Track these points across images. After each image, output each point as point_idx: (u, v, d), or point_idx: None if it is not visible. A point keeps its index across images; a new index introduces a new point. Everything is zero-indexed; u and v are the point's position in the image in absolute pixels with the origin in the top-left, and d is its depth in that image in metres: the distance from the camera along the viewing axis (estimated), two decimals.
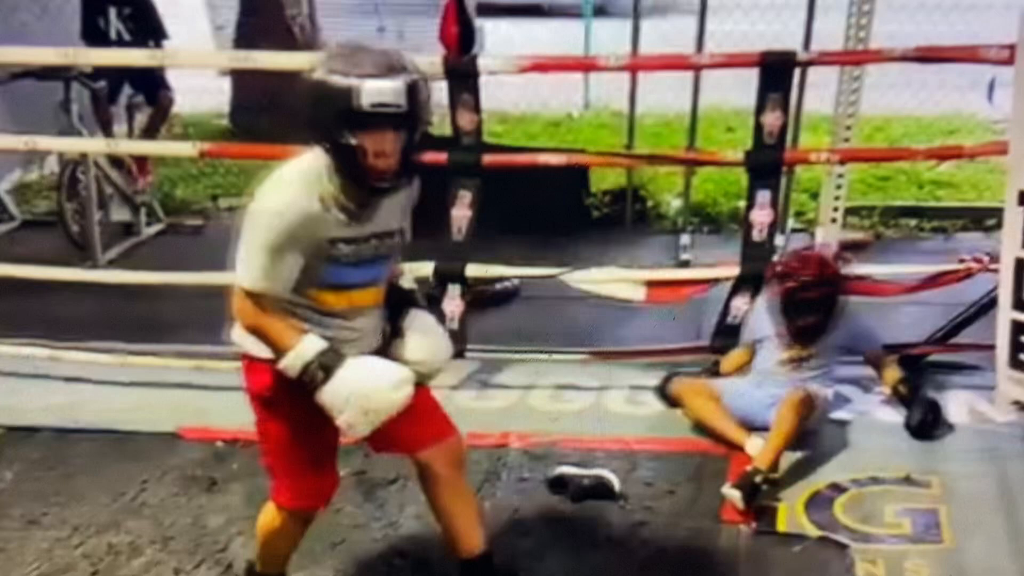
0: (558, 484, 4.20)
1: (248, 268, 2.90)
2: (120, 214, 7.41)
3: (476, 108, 4.95)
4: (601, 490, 4.15)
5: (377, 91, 2.71)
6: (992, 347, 4.54)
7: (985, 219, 6.88)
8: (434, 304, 5.23)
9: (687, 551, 3.80)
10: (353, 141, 2.77)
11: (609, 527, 3.95)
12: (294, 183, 2.89)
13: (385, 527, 4.00)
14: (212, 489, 4.32)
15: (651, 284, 5.03)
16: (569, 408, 4.86)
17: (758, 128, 4.77)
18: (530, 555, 3.78)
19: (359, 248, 2.98)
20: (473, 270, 5.13)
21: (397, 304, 3.25)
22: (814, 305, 4.45)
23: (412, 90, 2.75)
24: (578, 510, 4.07)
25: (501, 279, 5.88)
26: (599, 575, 3.69)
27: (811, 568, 3.69)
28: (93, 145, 6.76)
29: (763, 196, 4.85)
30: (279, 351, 2.94)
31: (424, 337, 3.22)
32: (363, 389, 2.91)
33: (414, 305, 3.29)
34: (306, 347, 2.92)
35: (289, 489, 3.26)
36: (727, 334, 4.97)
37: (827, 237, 5.65)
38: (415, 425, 3.19)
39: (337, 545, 3.92)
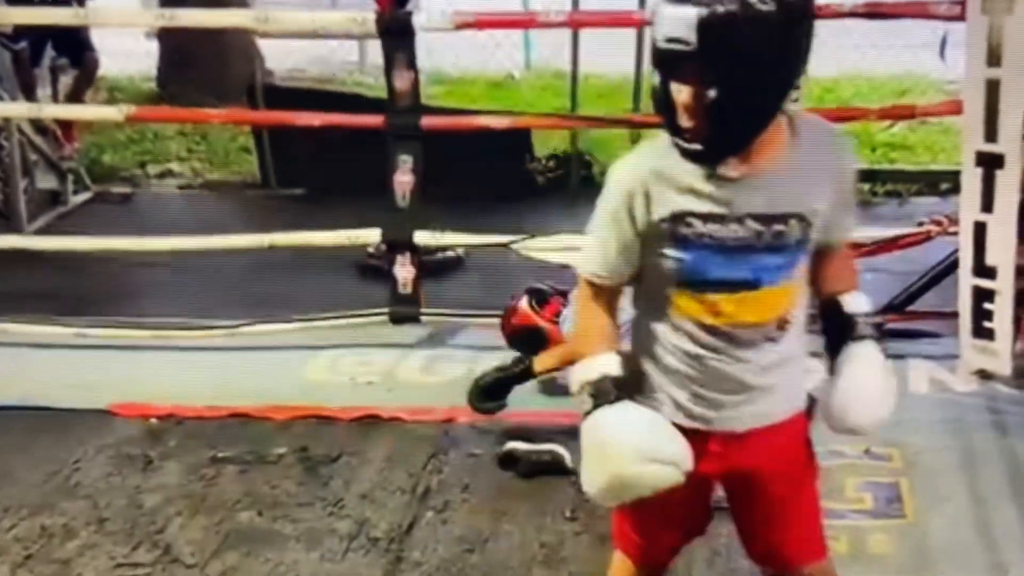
0: (508, 460, 4.07)
1: (586, 249, 2.36)
2: (46, 182, 7.20)
3: (412, 68, 4.83)
4: (553, 465, 4.02)
5: (668, 20, 2.03)
6: (953, 315, 4.47)
7: (940, 182, 6.86)
8: (383, 272, 5.13)
9: None
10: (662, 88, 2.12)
11: (563, 503, 3.83)
12: (650, 143, 2.29)
13: (330, 506, 3.87)
14: (148, 468, 4.16)
15: None
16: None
17: None
18: (481, 533, 3.68)
19: (724, 228, 2.19)
20: (422, 237, 5.01)
21: (836, 334, 2.43)
22: None
23: (710, 24, 1.97)
24: (530, 486, 3.96)
25: (445, 248, 5.74)
26: (555, 552, 3.58)
27: None
28: (15, 110, 6.55)
29: None
30: (574, 357, 2.37)
31: (862, 391, 2.42)
32: (605, 446, 2.22)
33: (859, 338, 2.41)
34: (598, 363, 2.26)
35: (625, 536, 2.64)
36: None
37: None
38: (791, 530, 2.50)
39: (281, 523, 3.78)
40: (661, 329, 2.33)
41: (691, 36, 1.98)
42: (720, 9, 1.96)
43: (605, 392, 2.22)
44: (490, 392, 4.17)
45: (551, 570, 3.49)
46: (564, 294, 4.33)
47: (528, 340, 4.33)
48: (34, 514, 3.87)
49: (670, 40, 2.02)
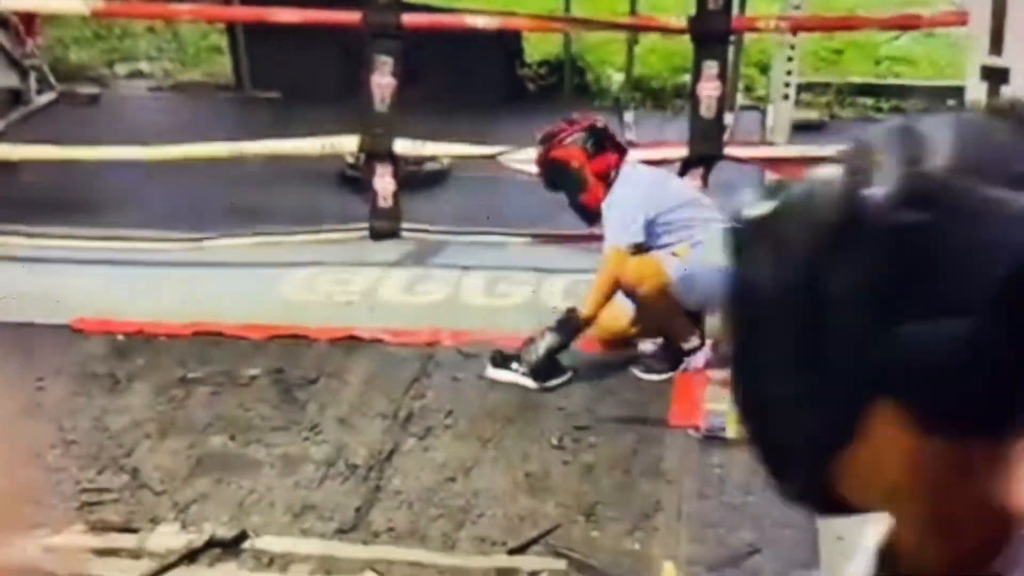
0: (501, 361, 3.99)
1: None
2: (7, 79, 6.89)
3: None
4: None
5: None
6: None
7: (946, 98, 6.65)
8: (363, 184, 4.95)
9: (632, 456, 3.59)
10: None
11: (551, 432, 3.72)
12: None
13: (306, 431, 3.73)
14: (114, 388, 4.00)
15: None
16: (504, 303, 4.60)
17: None
18: (464, 461, 3.56)
19: None
20: (402, 146, 4.80)
21: None
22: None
23: None
24: (517, 413, 3.83)
25: (429, 159, 5.53)
26: (540, 481, 3.47)
27: (763, 478, 3.44)
28: None
29: (710, 67, 4.65)
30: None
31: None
32: None
33: None
34: None
35: None
36: None
37: (778, 115, 5.44)
38: None
39: (254, 448, 3.65)
40: None
41: None
42: None
43: None
44: (551, 370, 3.99)
45: (536, 500, 3.38)
46: (623, 151, 4.13)
47: (559, 179, 4.13)
48: None
49: None
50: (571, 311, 3.99)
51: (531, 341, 3.98)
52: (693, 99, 4.71)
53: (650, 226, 3.95)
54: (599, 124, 4.17)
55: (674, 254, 3.94)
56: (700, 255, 3.83)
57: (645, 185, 4.03)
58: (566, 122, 4.16)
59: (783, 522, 3.24)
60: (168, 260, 4.88)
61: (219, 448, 3.65)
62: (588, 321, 3.98)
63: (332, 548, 3.18)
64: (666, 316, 4.03)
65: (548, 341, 3.95)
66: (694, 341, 4.08)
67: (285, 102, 6.98)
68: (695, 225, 3.95)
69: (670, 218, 3.98)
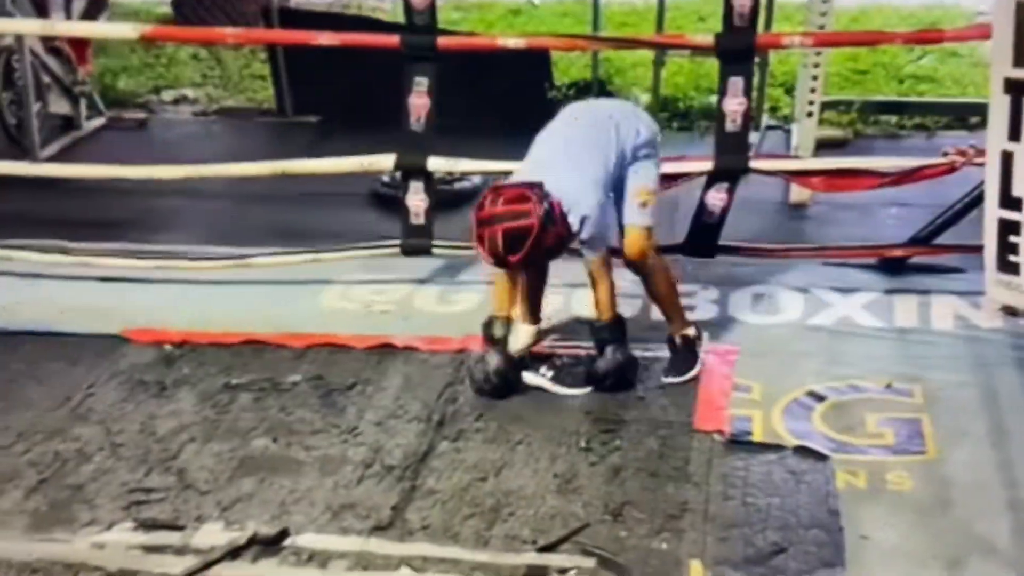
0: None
1: None
2: (59, 106, 7.08)
3: None
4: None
5: None
6: (979, 248, 4.37)
7: (969, 116, 6.69)
8: (396, 202, 5.04)
9: (658, 459, 3.67)
10: None
11: (578, 434, 3.81)
12: None
13: (345, 434, 3.85)
14: (161, 394, 4.14)
15: None
16: None
17: (728, 9, 4.56)
18: (495, 462, 3.66)
19: None
20: (435, 163, 4.90)
21: None
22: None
23: None
24: (544, 417, 3.92)
25: (462, 177, 5.64)
26: (568, 482, 3.55)
27: (788, 480, 3.55)
28: (28, 27, 6.39)
29: (735, 84, 4.67)
30: None
31: None
32: None
33: None
34: None
35: None
36: (703, 233, 4.79)
37: (803, 133, 5.48)
38: None
39: (295, 449, 3.77)
40: None
41: None
42: None
43: None
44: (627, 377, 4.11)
45: (565, 499, 3.47)
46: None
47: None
48: (47, 439, 3.85)
49: None
50: (603, 322, 4.08)
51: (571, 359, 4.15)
52: (719, 114, 4.73)
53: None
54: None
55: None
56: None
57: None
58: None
59: (808, 523, 3.32)
60: (209, 278, 5.01)
61: (262, 450, 3.76)
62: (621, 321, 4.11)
63: (369, 545, 3.28)
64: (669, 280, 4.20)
65: (618, 357, 4.05)
66: (692, 328, 4.21)
67: (325, 126, 7.13)
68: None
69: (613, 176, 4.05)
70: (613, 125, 4.05)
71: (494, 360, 4.03)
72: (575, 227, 3.86)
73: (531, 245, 3.74)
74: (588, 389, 4.07)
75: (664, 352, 4.23)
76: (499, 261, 3.82)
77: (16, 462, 3.73)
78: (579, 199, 3.86)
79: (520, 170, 4.07)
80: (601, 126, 4.06)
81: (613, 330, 4.08)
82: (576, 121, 4.17)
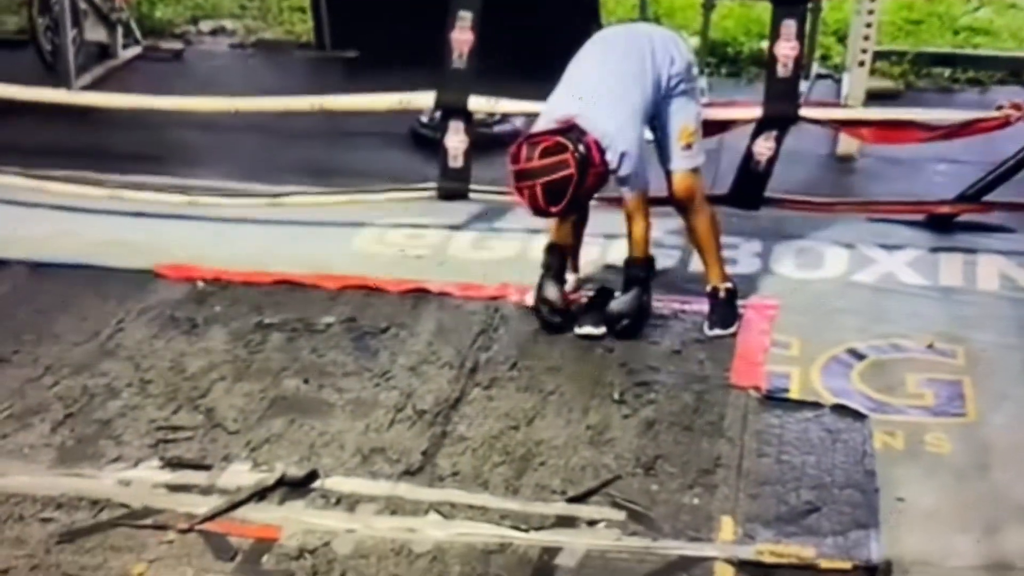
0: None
1: None
2: (95, 33, 7.02)
3: None
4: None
5: None
6: None
7: None
8: (434, 143, 4.97)
9: (693, 414, 3.61)
10: None
11: (611, 387, 3.76)
12: None
13: (377, 377, 3.82)
14: (192, 331, 4.12)
15: None
16: None
17: None
18: (527, 412, 3.62)
19: None
20: (476, 103, 4.81)
21: None
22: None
23: None
24: (578, 368, 3.88)
25: (502, 119, 5.53)
26: (600, 434, 3.51)
27: (824, 438, 3.49)
28: None
29: (788, 26, 4.54)
30: None
31: None
32: None
33: None
34: None
35: None
36: (749, 184, 4.68)
37: (854, 83, 5.34)
38: None
39: (327, 391, 3.75)
40: None
41: None
42: None
43: None
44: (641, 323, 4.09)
45: (597, 451, 3.43)
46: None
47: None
48: (76, 373, 3.84)
49: None
50: (635, 262, 4.04)
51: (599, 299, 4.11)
52: (770, 58, 4.60)
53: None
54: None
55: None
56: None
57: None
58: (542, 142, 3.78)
59: (843, 482, 3.26)
60: (242, 216, 4.97)
61: (292, 391, 3.74)
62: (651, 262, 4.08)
63: (398, 489, 3.25)
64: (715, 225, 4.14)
65: (635, 302, 4.04)
66: (730, 282, 4.16)
67: (364, 61, 7.02)
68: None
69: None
70: (649, 51, 3.96)
71: (551, 291, 4.08)
72: (613, 164, 3.82)
73: (571, 194, 3.72)
74: (603, 329, 4.04)
75: (700, 306, 4.16)
76: (541, 212, 3.81)
77: (44, 395, 3.72)
78: (617, 135, 3.80)
79: (555, 100, 3.99)
80: (637, 54, 3.95)
81: (644, 268, 4.04)
82: (613, 48, 4.06)
